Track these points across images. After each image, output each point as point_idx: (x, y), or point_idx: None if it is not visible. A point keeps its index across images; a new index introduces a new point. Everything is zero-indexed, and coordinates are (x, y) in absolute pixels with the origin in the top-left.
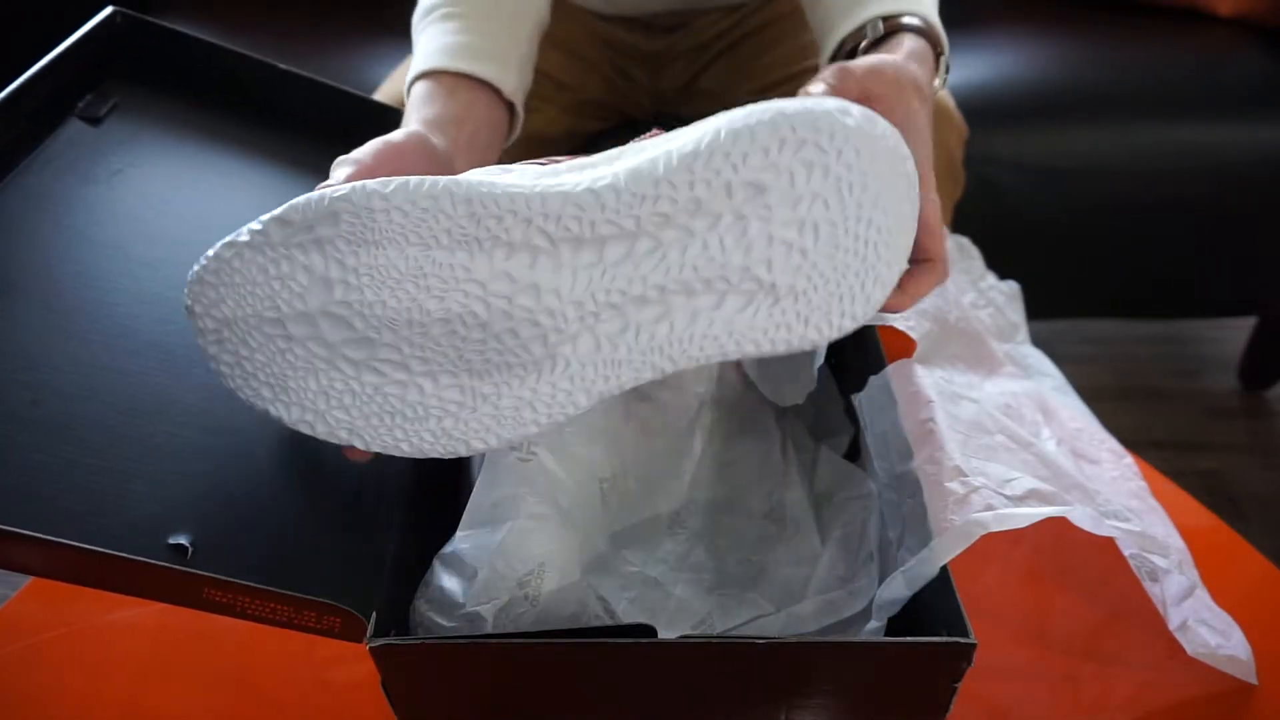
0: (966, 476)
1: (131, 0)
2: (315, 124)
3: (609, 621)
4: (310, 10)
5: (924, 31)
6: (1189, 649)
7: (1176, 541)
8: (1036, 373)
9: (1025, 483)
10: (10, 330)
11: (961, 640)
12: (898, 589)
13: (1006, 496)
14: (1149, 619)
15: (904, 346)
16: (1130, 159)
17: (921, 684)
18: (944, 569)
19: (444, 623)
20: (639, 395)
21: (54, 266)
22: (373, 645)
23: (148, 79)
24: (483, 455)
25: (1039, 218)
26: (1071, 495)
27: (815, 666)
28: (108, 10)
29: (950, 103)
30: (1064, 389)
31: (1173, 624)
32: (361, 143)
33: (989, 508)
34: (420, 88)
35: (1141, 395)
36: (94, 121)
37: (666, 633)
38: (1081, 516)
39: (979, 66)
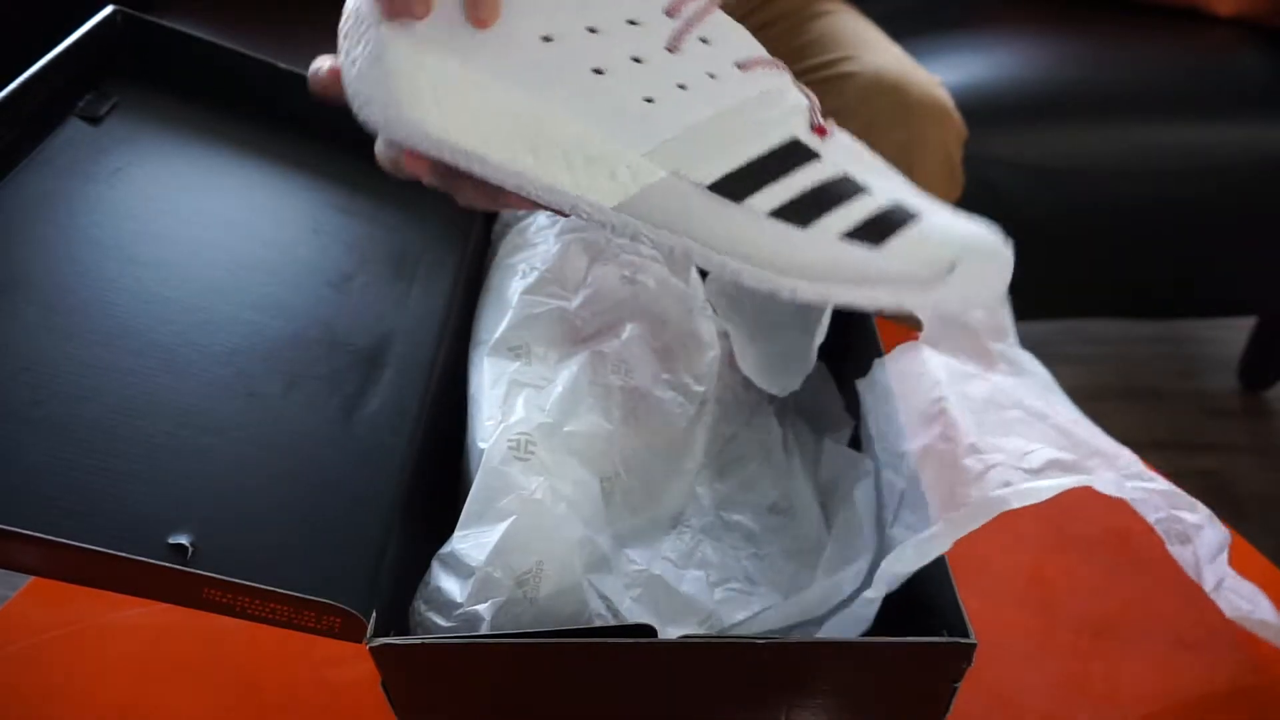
0: (982, 453)
1: None
2: (315, 124)
3: (611, 621)
4: (311, 10)
5: None
6: (1227, 611)
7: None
8: (1027, 373)
9: (1044, 453)
10: (11, 330)
11: (962, 640)
12: (907, 559)
13: (1025, 470)
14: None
15: (904, 337)
16: (1130, 159)
17: (922, 684)
18: (946, 569)
19: (442, 622)
20: (639, 395)
21: (54, 266)
22: (372, 645)
23: (148, 78)
24: (481, 454)
25: (1039, 218)
26: (1093, 462)
27: (815, 667)
28: (108, 9)
29: (949, 103)
30: (1052, 388)
31: (1208, 585)
32: (360, 140)
33: (1007, 484)
34: None
35: (1141, 395)
36: (94, 121)
37: (672, 630)
38: (1106, 482)
39: (979, 66)
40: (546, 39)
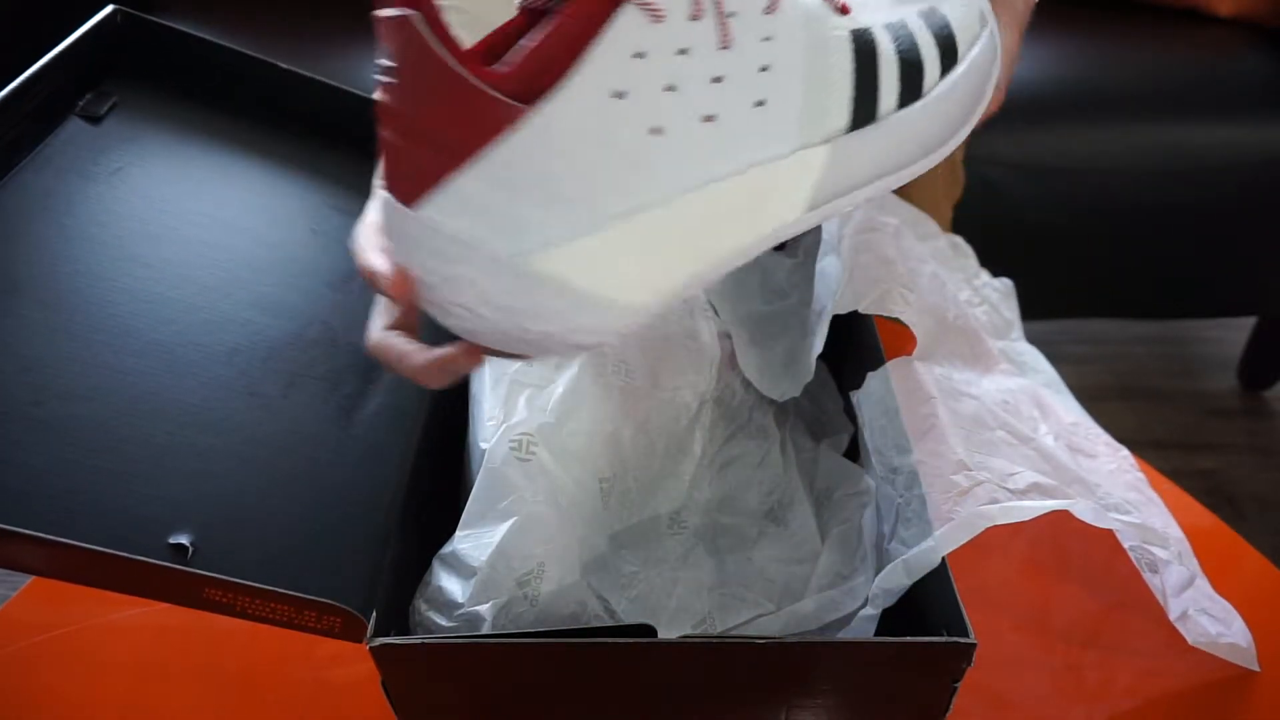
0: (970, 470)
1: None
2: (315, 123)
3: (609, 621)
4: (311, 9)
5: None
6: (1190, 638)
7: (1175, 532)
8: (1030, 369)
9: (1027, 476)
10: (11, 330)
11: (961, 640)
12: (897, 577)
13: (1010, 490)
14: (1149, 607)
15: (902, 344)
16: (1130, 159)
17: (922, 684)
18: (945, 569)
19: (443, 622)
20: (639, 395)
21: (55, 266)
22: (373, 645)
23: (148, 78)
24: (482, 454)
25: (1039, 218)
26: (1072, 489)
27: (815, 666)
28: (108, 9)
29: None
30: (1056, 385)
31: (1173, 614)
32: (361, 140)
33: (993, 500)
34: None
35: (1141, 395)
36: (94, 120)
37: (666, 632)
38: (1084, 510)
39: None
40: (655, 130)
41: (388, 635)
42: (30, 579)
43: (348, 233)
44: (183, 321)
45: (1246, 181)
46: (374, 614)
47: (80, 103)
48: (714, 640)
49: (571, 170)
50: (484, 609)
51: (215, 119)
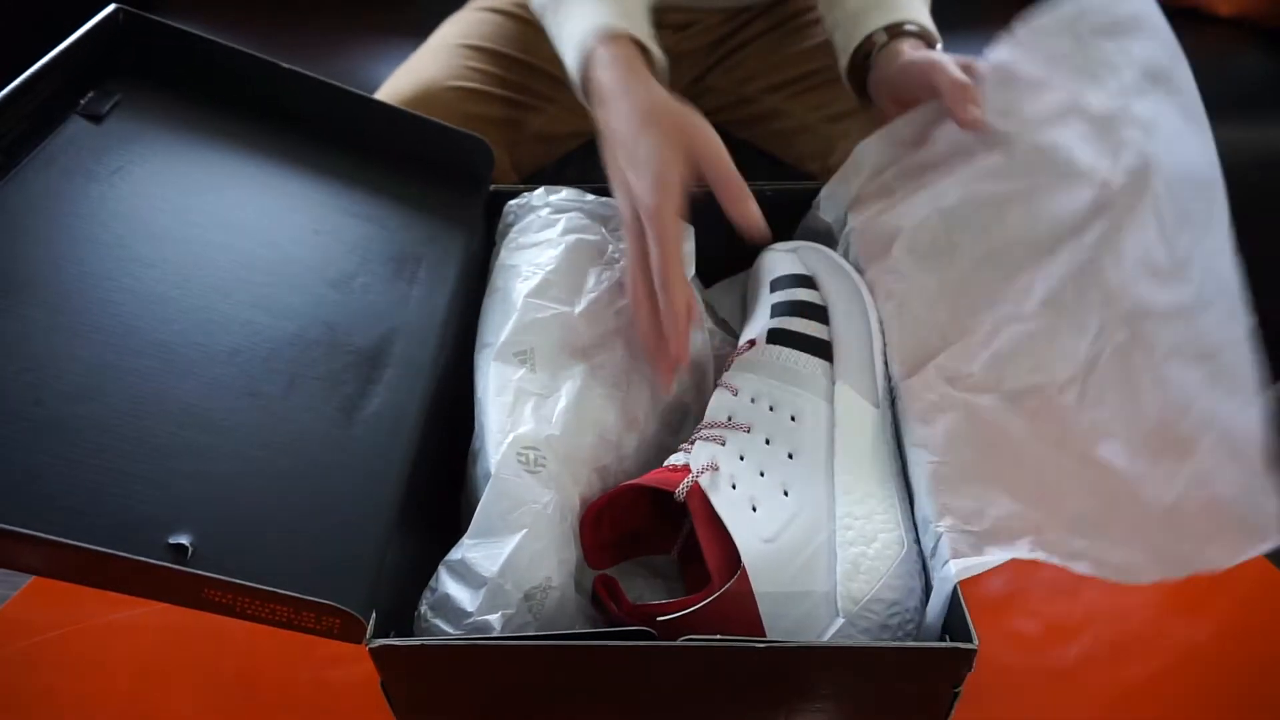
0: (932, 522)
1: None
2: (316, 123)
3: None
4: (312, 9)
5: (920, 35)
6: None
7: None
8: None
9: (992, 512)
10: (13, 329)
11: (962, 645)
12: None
13: (973, 532)
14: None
15: None
16: None
17: (922, 689)
18: None
19: (450, 630)
20: (640, 404)
21: (56, 265)
22: (372, 646)
23: (150, 77)
24: (490, 462)
25: None
26: (1041, 512)
27: (815, 671)
28: (110, 8)
29: None
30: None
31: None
32: (361, 140)
33: (956, 553)
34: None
35: None
36: (96, 119)
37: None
38: (1046, 557)
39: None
40: None
41: (387, 636)
42: (30, 579)
43: (348, 233)
44: (183, 321)
45: (1246, 181)
46: (373, 615)
47: (82, 101)
48: (714, 644)
49: None
50: (494, 619)
51: (217, 118)
